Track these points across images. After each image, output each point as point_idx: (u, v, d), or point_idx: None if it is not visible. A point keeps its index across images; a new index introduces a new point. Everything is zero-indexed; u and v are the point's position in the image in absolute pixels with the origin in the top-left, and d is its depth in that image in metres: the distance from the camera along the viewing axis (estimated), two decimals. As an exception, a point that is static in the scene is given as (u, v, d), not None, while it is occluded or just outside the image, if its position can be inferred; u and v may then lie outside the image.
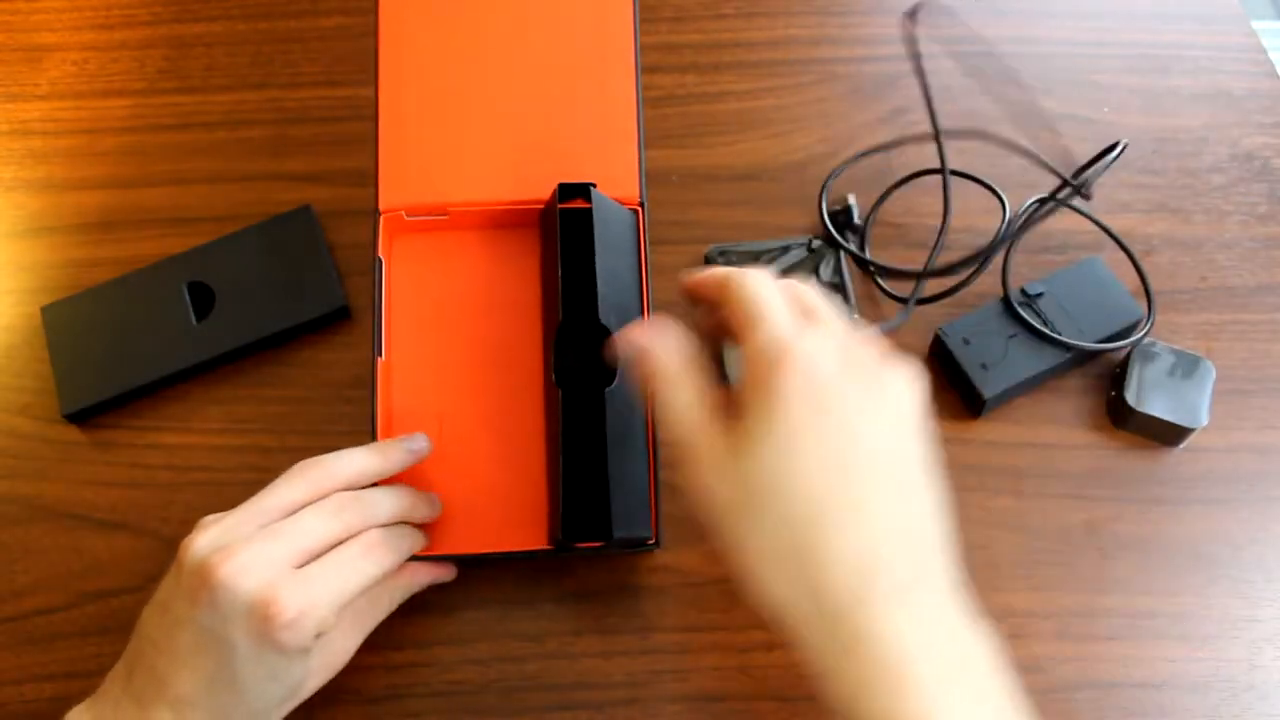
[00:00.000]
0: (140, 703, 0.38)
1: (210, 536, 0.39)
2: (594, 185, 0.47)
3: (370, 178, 0.58)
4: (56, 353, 0.52)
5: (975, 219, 0.57)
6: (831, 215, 0.56)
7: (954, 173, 0.56)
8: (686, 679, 0.45)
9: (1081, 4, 0.68)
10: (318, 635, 0.38)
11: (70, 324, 0.53)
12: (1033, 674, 0.45)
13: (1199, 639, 0.46)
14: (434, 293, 0.50)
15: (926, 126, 0.62)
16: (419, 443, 0.45)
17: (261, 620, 0.36)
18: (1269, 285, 0.56)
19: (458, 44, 0.52)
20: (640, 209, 0.50)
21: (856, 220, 0.56)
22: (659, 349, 0.37)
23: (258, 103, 0.63)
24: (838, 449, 0.34)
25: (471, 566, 0.47)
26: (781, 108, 0.63)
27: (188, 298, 0.53)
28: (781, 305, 0.36)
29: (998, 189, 0.56)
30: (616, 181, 0.49)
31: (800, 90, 0.64)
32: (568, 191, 0.47)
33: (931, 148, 0.60)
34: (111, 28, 0.66)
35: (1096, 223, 0.56)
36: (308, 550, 0.39)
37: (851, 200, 0.57)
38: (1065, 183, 0.49)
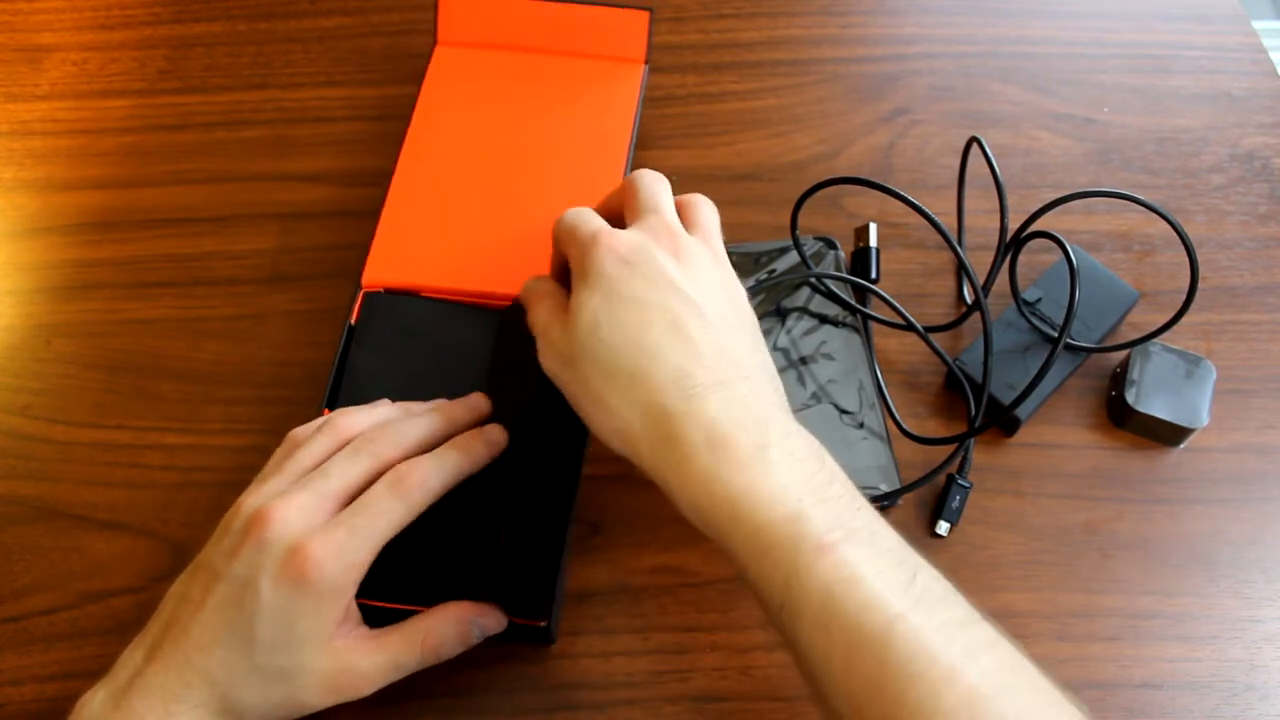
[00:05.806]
0: (161, 661, 0.38)
1: (253, 498, 0.40)
2: None
3: (367, 178, 0.58)
4: None
5: (971, 219, 0.57)
6: (856, 251, 0.56)
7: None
8: (687, 679, 0.45)
9: (1081, 4, 0.68)
10: (350, 581, 0.39)
11: None
12: (1033, 674, 0.45)
13: (1199, 639, 0.46)
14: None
15: (926, 126, 0.62)
16: (474, 399, 0.46)
17: (292, 567, 0.38)
18: (1269, 285, 0.56)
19: (474, 140, 0.56)
20: None
21: (874, 261, 0.55)
22: (528, 282, 0.45)
23: (258, 103, 0.63)
24: (645, 293, 0.39)
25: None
26: (781, 108, 0.63)
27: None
28: (594, 217, 0.43)
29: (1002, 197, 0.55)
30: None
31: (800, 90, 0.64)
32: None
33: (931, 147, 0.61)
34: (111, 28, 0.66)
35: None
36: (337, 494, 0.40)
37: (873, 233, 0.56)
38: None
